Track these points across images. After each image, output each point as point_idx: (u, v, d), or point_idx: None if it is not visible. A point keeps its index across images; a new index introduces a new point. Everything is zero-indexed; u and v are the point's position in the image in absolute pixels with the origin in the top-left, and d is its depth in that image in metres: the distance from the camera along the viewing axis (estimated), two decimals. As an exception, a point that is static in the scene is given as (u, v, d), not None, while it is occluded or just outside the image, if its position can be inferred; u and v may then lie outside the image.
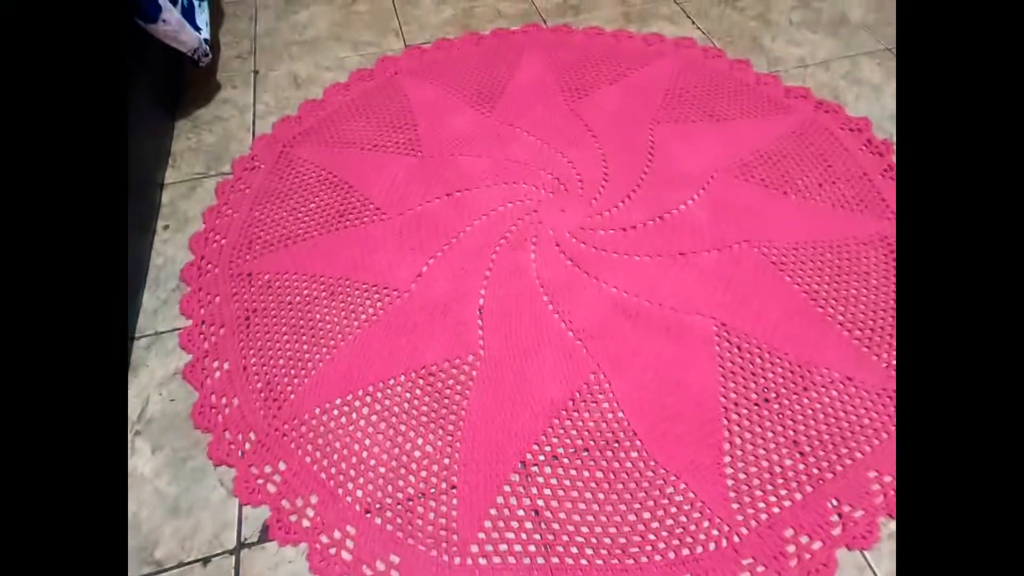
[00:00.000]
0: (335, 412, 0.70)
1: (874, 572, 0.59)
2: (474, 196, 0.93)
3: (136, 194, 0.86)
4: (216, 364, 0.74)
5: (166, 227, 0.89)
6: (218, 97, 1.09)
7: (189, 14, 1.00)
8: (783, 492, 0.64)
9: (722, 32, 1.21)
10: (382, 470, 0.66)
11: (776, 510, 0.63)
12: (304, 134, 1.03)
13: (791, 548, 0.60)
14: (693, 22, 1.23)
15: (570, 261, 0.85)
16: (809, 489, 0.64)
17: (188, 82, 1.10)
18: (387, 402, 0.71)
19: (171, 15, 0.87)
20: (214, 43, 1.19)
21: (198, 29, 1.01)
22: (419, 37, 1.22)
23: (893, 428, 0.68)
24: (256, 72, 1.14)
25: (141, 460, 0.67)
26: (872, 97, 1.06)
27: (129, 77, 0.86)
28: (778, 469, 0.66)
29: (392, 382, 0.73)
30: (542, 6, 1.29)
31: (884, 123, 1.01)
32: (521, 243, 0.87)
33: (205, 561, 0.60)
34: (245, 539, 0.61)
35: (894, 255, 0.84)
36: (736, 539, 0.61)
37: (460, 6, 1.29)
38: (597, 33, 1.22)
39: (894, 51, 1.14)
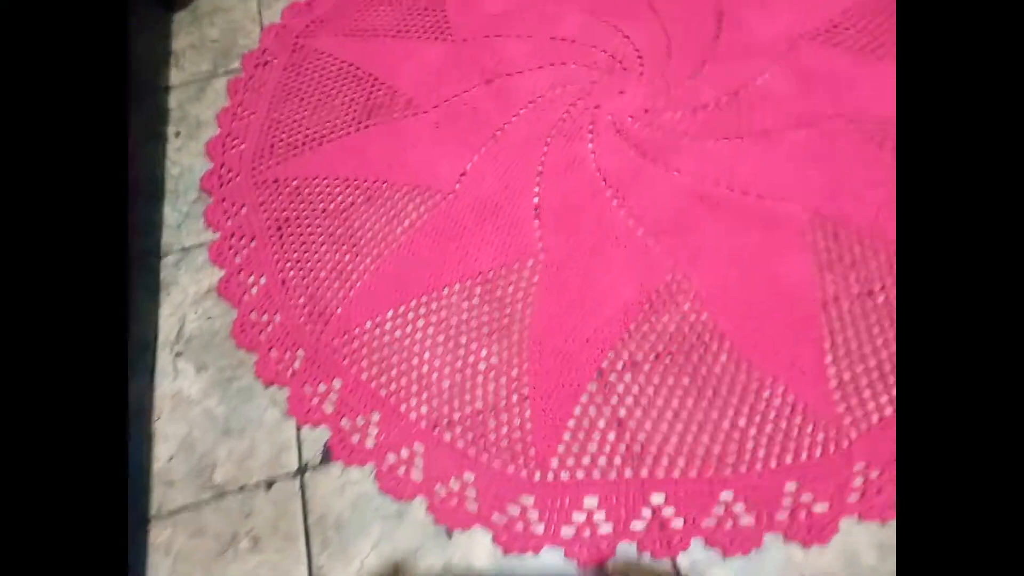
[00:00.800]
0: (388, 326, 0.64)
1: (1006, 473, 0.52)
2: (518, 81, 0.81)
3: (139, 99, 0.77)
4: (252, 279, 0.68)
5: (178, 134, 0.80)
6: (215, -14, 0.96)
7: None
8: (894, 391, 0.57)
9: None
10: (446, 384, 0.60)
11: (888, 411, 0.56)
12: (318, 22, 0.90)
13: (909, 451, 0.54)
14: None
15: (634, 149, 0.74)
16: (927, 387, 0.57)
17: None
18: (443, 312, 0.64)
19: None
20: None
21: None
22: (436, -98, 1.04)
23: None
24: (254, -46, 1.00)
25: (186, 381, 0.62)
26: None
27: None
28: (888, 366, 0.58)
29: (446, 291, 0.65)
30: None
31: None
32: (576, 132, 0.76)
33: (268, 484, 0.56)
34: (307, 462, 0.57)
35: (1018, 122, 0.71)
36: (846, 443, 0.55)
37: None
38: None
39: None
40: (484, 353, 0.61)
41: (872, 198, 0.68)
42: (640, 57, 0.82)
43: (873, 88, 0.76)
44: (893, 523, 0.51)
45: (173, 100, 0.83)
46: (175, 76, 0.85)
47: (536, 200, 0.71)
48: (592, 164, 0.73)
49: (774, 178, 0.70)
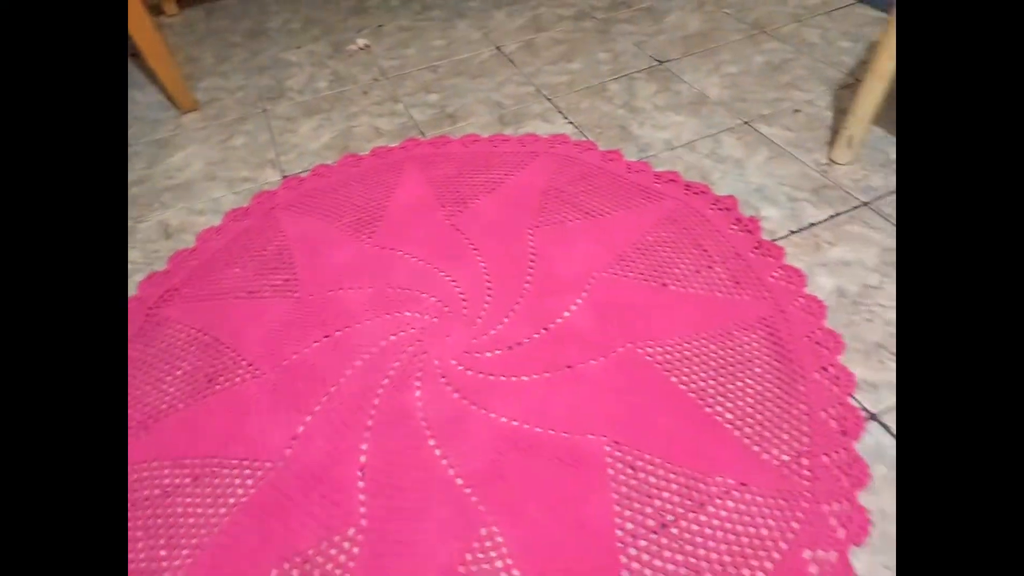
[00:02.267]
0: (198, 629, 0.62)
1: None
2: (354, 333, 0.90)
3: None
4: (61, 591, 0.66)
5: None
6: (80, 260, 1.04)
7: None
8: (690, 635, 0.60)
9: (592, 124, 1.25)
10: None
11: (685, 659, 0.59)
12: (173, 291, 0.98)
13: None
14: (565, 117, 1.28)
15: (457, 393, 0.81)
16: (716, 627, 0.60)
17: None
18: (258, 604, 0.64)
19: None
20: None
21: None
22: (297, 166, 1.21)
23: (792, 535, 0.66)
24: (123, 226, 1.10)
25: None
26: (736, 173, 1.10)
27: None
28: (683, 607, 0.62)
29: (264, 578, 0.66)
30: (419, 119, 1.31)
31: (749, 198, 1.05)
32: (405, 380, 0.83)
33: None
34: None
35: (775, 337, 0.85)
36: None
37: (338, 128, 1.30)
38: (474, 140, 1.24)
39: (750, 124, 1.21)
40: (295, 649, 0.61)
41: (663, 424, 0.76)
42: (464, 300, 0.94)
43: (658, 315, 0.88)
44: None
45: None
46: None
47: (363, 459, 0.75)
48: (419, 414, 0.80)
49: (577, 411, 0.78)
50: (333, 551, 0.67)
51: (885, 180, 1.04)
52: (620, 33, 1.54)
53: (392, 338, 0.89)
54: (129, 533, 0.70)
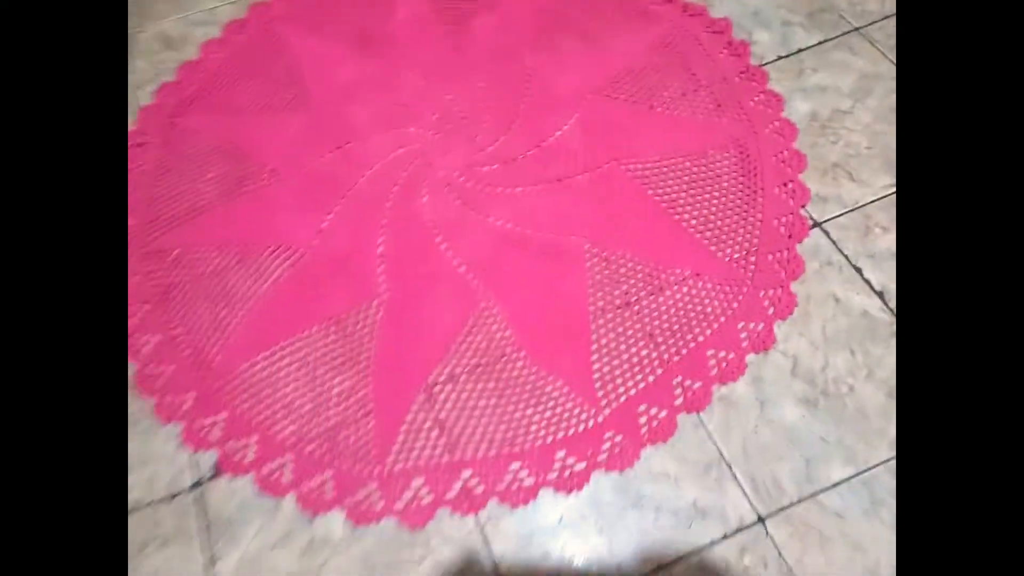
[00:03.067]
0: (259, 366, 0.80)
1: (706, 427, 0.75)
2: (364, 146, 0.98)
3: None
4: (145, 338, 0.83)
5: (70, 216, 0.93)
6: (93, 70, 1.07)
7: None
8: (639, 377, 0.78)
9: (598, -64, 1.19)
10: (307, 407, 0.78)
11: (633, 392, 0.78)
12: (189, 101, 1.03)
13: (643, 420, 0.76)
14: (570, -73, 1.21)
15: (459, 200, 0.93)
16: (660, 372, 0.79)
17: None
18: (304, 351, 0.81)
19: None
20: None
21: None
22: (291, -25, 1.18)
23: (731, 311, 0.82)
24: (126, 36, 1.11)
25: (97, 430, 0.77)
26: (736, -5, 1.10)
27: None
28: (635, 360, 0.80)
29: (306, 334, 0.82)
30: (415, -76, 1.24)
31: (743, 21, 1.06)
32: (413, 188, 0.94)
33: (170, 498, 0.73)
34: (200, 478, 0.74)
35: (744, 156, 0.94)
36: (600, 419, 0.76)
37: (330, -67, 1.24)
38: (473, -49, 1.19)
39: (762, -58, 1.16)
40: (337, 380, 0.79)
41: (635, 227, 0.89)
42: (464, 118, 1.00)
43: (643, 135, 0.96)
44: (629, 470, 0.73)
45: (62, 184, 0.95)
46: (62, 161, 0.97)
47: (380, 250, 0.89)
48: (426, 215, 0.92)
49: (563, 217, 0.90)
50: (360, 315, 0.84)
51: (882, 5, 1.04)
52: None
53: (400, 151, 0.97)
54: (194, 302, 0.85)
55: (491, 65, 1.05)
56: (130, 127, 1.01)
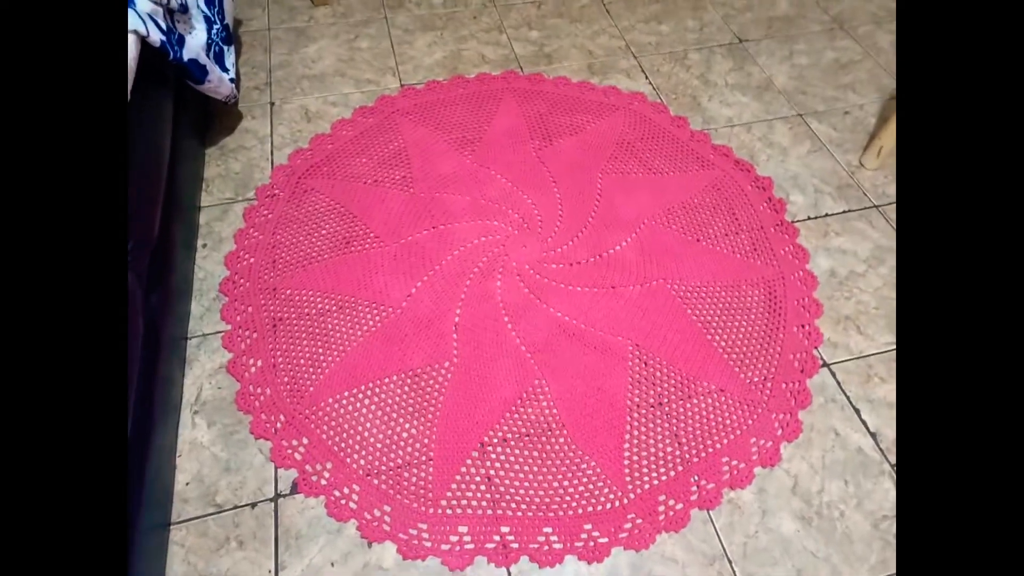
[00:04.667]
0: (343, 402, 0.94)
1: (714, 524, 0.87)
2: (455, 229, 1.16)
3: (182, 216, 1.07)
4: (252, 361, 0.98)
5: (204, 245, 1.10)
6: (240, 127, 1.28)
7: (219, 58, 1.18)
8: (662, 470, 0.91)
9: (669, 88, 1.44)
10: (378, 445, 0.91)
11: (656, 482, 0.90)
12: (315, 166, 1.24)
13: (661, 508, 0.88)
14: (646, 77, 1.46)
15: (527, 289, 1.09)
16: (680, 469, 0.92)
17: (214, 112, 1.29)
18: (383, 395, 0.95)
19: (214, 74, 1.07)
20: (236, 77, 1.37)
21: (226, 70, 1.20)
22: (413, 77, 1.42)
23: (746, 427, 0.96)
24: (272, 104, 1.34)
25: (199, 432, 0.90)
26: (779, 159, 1.31)
27: (177, 117, 1.06)
28: (661, 455, 0.93)
29: (387, 380, 0.97)
30: (520, 53, 1.50)
31: (783, 183, 1.27)
32: (490, 272, 1.11)
33: (252, 505, 0.85)
34: (280, 492, 0.86)
35: (772, 295, 1.11)
36: (626, 501, 0.88)
37: (449, 48, 1.49)
38: (564, 83, 1.44)
39: (803, 117, 1.39)
40: (407, 425, 0.93)
41: (673, 339, 1.05)
42: (540, 221, 1.19)
43: (688, 262, 1.14)
44: (644, 551, 0.84)
45: (203, 218, 1.14)
46: (205, 199, 1.16)
47: (456, 319, 1.05)
48: (498, 297, 1.08)
49: (613, 319, 1.06)
50: (433, 372, 0.98)
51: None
52: (713, 2, 1.66)
53: (482, 239, 1.15)
54: (297, 337, 1.00)
55: (568, 180, 1.25)
56: (265, 182, 1.20)
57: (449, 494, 0.87)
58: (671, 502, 0.89)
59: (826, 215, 1.21)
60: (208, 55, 1.11)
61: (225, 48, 1.21)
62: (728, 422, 0.96)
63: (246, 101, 1.34)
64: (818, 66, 1.50)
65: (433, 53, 1.47)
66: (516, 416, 0.95)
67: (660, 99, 1.41)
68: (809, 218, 1.21)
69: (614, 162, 1.29)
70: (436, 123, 1.33)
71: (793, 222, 1.21)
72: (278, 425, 0.92)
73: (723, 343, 1.04)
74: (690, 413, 0.97)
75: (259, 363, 0.98)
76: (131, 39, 0.85)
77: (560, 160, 1.28)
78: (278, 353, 0.99)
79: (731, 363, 1.02)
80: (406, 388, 0.96)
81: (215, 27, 1.17)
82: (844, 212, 1.22)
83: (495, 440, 0.93)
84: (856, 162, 1.30)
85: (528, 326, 1.05)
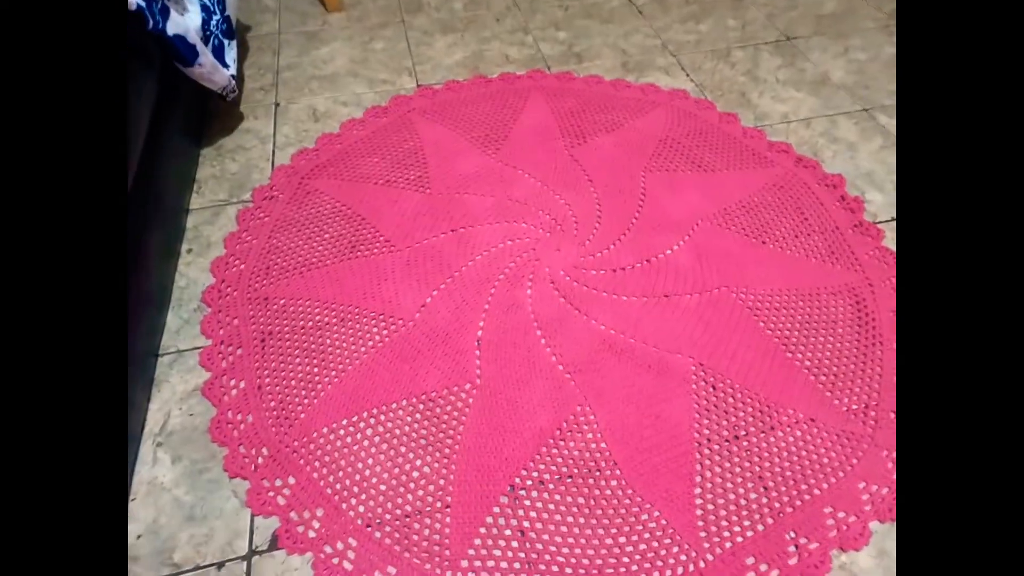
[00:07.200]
0: (341, 432, 0.76)
1: (824, 599, 0.65)
2: (477, 233, 1.00)
3: (164, 218, 0.93)
4: (233, 383, 0.81)
5: (190, 250, 0.96)
6: (241, 127, 1.17)
7: (219, 52, 1.08)
8: (747, 523, 0.70)
9: (714, 85, 1.30)
10: (382, 487, 0.72)
11: (740, 539, 0.69)
12: (321, 167, 1.10)
13: (750, 575, 0.67)
14: (687, 74, 1.32)
15: (563, 298, 0.92)
16: (770, 521, 0.71)
17: (213, 112, 1.18)
18: (389, 424, 0.77)
19: (206, 59, 0.95)
20: (239, 76, 1.27)
21: (226, 66, 1.09)
22: (431, 78, 1.30)
23: (850, 467, 0.75)
24: (277, 104, 1.22)
25: (161, 470, 0.72)
26: (847, 155, 1.14)
27: (162, 108, 0.93)
28: (743, 502, 0.72)
29: (394, 406, 0.79)
30: (547, 53, 1.38)
31: (857, 180, 1.09)
32: (519, 279, 0.94)
33: (219, 566, 0.66)
34: (256, 547, 0.67)
35: (861, 306, 0.91)
36: (702, 564, 0.67)
37: (471, 49, 1.38)
38: (597, 81, 1.30)
39: (870, 112, 1.23)
40: (418, 463, 0.74)
41: (745, 357, 0.85)
42: (576, 222, 1.03)
43: (754, 267, 0.96)
44: (733, 637, 0.62)
45: (191, 221, 1.00)
46: (195, 200, 1.03)
47: (480, 333, 0.87)
48: (528, 307, 0.91)
49: (669, 333, 0.87)
50: (452, 397, 0.80)
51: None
52: (753, 2, 1.54)
53: (509, 243, 0.99)
54: (289, 354, 0.84)
55: (607, 178, 1.09)
56: (265, 182, 1.07)
57: (472, 552, 0.68)
58: (763, 567, 0.67)
59: (914, 213, 1.03)
60: (207, 46, 1.00)
61: (226, 42, 1.11)
62: (825, 460, 0.76)
63: (249, 101, 1.22)
64: (878, 60, 1.35)
65: (453, 54, 1.36)
66: (555, 452, 0.76)
67: (704, 96, 1.27)
68: (893, 219, 1.03)
69: (658, 159, 1.13)
70: (456, 121, 1.20)
71: (875, 223, 1.02)
72: (259, 460, 0.74)
73: (807, 362, 0.85)
74: (775, 449, 0.77)
75: (241, 384, 0.81)
76: None
77: (596, 157, 1.13)
78: (265, 372, 0.82)
79: (820, 386, 0.82)
80: (418, 416, 0.78)
81: (215, 18, 1.07)
82: (936, 209, 1.03)
83: (528, 482, 0.73)
84: (939, 157, 1.12)
85: (566, 341, 0.86)
